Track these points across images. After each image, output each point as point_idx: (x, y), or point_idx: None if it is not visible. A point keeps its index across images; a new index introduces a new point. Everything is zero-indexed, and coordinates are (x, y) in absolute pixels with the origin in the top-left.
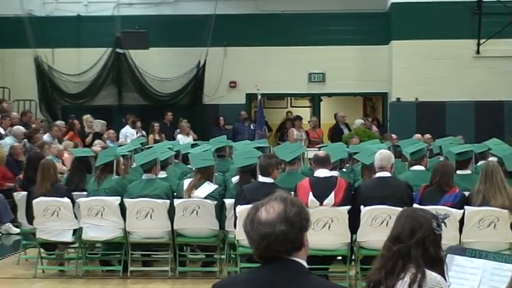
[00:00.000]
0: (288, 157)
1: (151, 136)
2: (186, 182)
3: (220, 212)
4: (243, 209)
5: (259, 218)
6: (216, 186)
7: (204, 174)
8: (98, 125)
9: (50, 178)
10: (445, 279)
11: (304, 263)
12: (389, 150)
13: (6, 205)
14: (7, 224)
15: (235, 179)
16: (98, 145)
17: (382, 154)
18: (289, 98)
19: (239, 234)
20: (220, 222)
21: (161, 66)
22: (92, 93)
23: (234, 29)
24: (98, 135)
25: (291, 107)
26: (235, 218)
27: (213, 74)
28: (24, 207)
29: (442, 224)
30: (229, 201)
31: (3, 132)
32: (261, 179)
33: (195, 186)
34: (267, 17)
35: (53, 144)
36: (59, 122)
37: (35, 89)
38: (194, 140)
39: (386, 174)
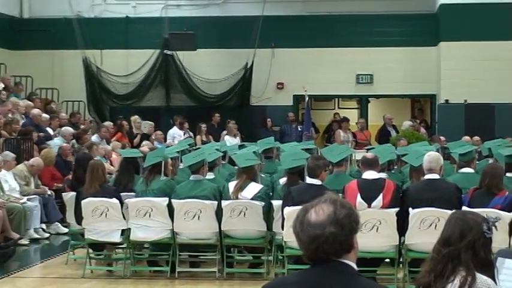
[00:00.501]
0: (335, 158)
1: (198, 137)
2: (231, 185)
3: (268, 213)
4: (290, 211)
5: (308, 219)
6: (262, 186)
7: (249, 174)
8: (146, 126)
9: (98, 179)
10: (495, 283)
11: (354, 265)
12: (438, 152)
13: (55, 205)
14: (55, 224)
15: (282, 181)
16: (145, 146)
17: (430, 156)
18: (336, 99)
19: (287, 236)
20: (268, 223)
21: (209, 68)
22: (140, 94)
23: (281, 31)
24: (145, 137)
25: (339, 108)
26: (283, 219)
27: (261, 75)
28: (72, 207)
29: (493, 227)
30: (276, 203)
31: (52, 132)
32: (309, 180)
33: (241, 187)
34: (314, 19)
35: (101, 145)
36: (107, 123)
37: (83, 90)
38: (241, 141)
39: (435, 176)
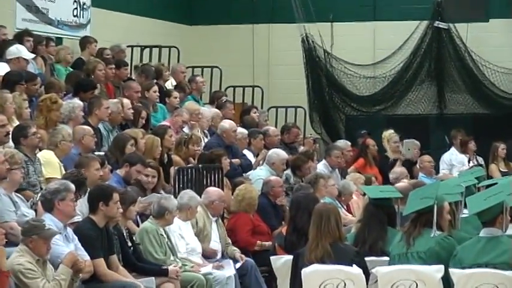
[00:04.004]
0: None
1: (493, 166)
2: None
3: None
4: None
5: None
6: None
7: None
8: (410, 147)
9: (330, 233)
10: None
11: None
12: None
13: (258, 275)
14: None
15: None
16: (403, 180)
17: None
18: None
19: None
20: None
21: (509, 50)
22: (395, 95)
23: None
24: (408, 164)
25: None
26: None
27: None
28: (287, 279)
29: None
30: None
31: (252, 158)
32: None
33: None
34: None
35: (332, 179)
36: (342, 143)
37: (302, 88)
38: None
39: None
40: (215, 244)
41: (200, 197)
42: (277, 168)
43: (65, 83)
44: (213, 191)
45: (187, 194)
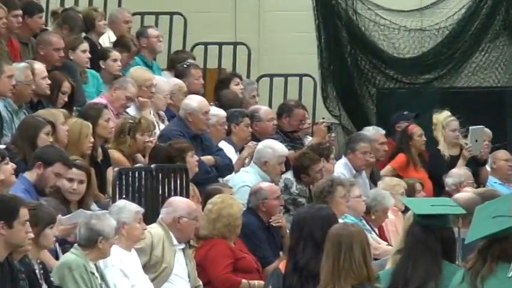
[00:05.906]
0: None
1: None
2: None
3: None
4: None
5: None
6: None
7: None
8: (477, 137)
9: (352, 271)
10: None
11: None
12: None
13: None
14: None
15: None
16: (466, 188)
17: None
18: None
19: None
20: None
21: None
22: (453, 57)
23: None
24: (474, 164)
25: None
26: None
27: None
28: None
29: None
30: None
31: (234, 155)
32: None
33: None
34: None
35: (356, 188)
36: (372, 131)
37: (310, 47)
38: None
39: None
40: (183, 284)
41: (158, 210)
42: (271, 170)
43: None
44: (178, 202)
45: (115, 207)
